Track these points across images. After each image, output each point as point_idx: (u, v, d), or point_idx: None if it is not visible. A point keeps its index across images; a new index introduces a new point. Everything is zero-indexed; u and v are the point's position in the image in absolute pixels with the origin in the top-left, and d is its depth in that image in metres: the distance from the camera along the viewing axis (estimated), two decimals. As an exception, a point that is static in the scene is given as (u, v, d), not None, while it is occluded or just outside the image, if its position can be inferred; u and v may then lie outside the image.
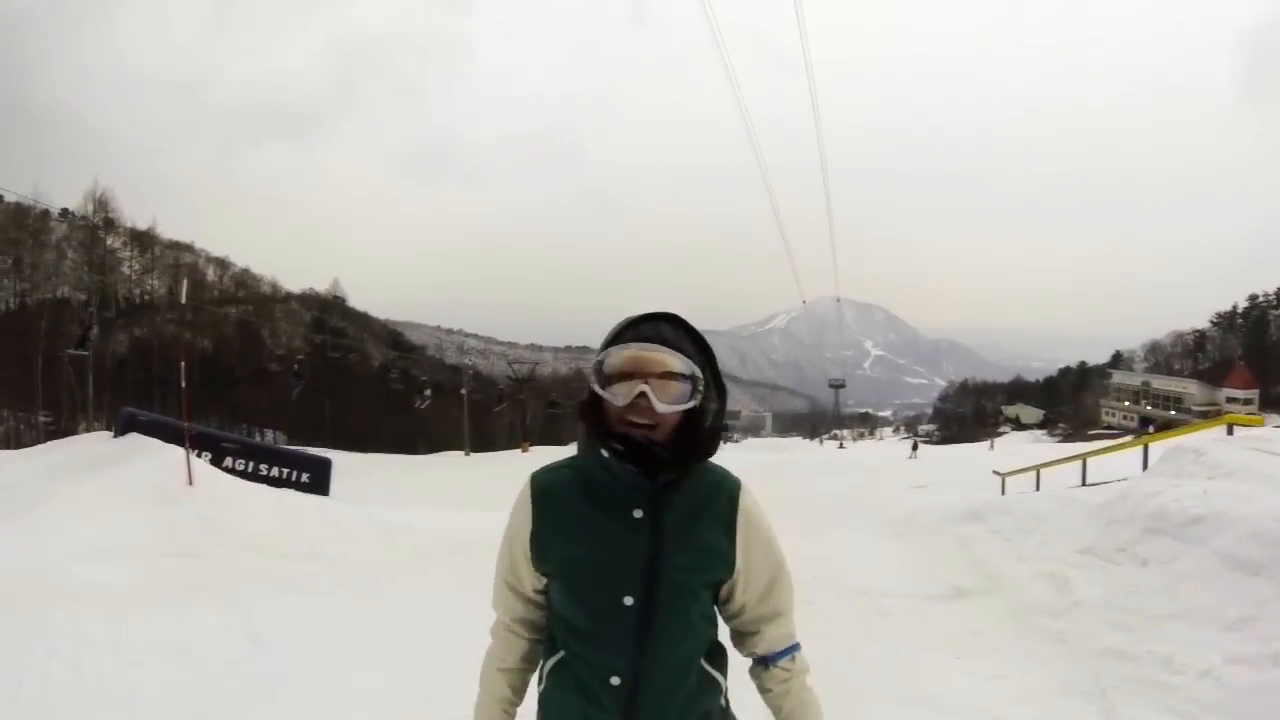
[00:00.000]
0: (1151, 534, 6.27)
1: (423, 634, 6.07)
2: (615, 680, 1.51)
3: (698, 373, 1.49)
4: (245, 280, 73.03)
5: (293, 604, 6.64)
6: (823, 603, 7.04)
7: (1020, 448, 55.02)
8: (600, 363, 1.50)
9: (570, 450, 1.95)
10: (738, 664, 1.70)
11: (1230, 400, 68.42)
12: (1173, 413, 74.43)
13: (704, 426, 1.55)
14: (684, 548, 1.52)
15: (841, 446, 78.19)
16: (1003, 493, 14.75)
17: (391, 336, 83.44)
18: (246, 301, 70.35)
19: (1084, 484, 11.83)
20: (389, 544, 9.56)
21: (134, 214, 69.75)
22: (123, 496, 8.52)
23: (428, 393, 47.54)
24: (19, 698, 4.30)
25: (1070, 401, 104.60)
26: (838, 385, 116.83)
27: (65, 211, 56.93)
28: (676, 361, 1.47)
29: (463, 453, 45.99)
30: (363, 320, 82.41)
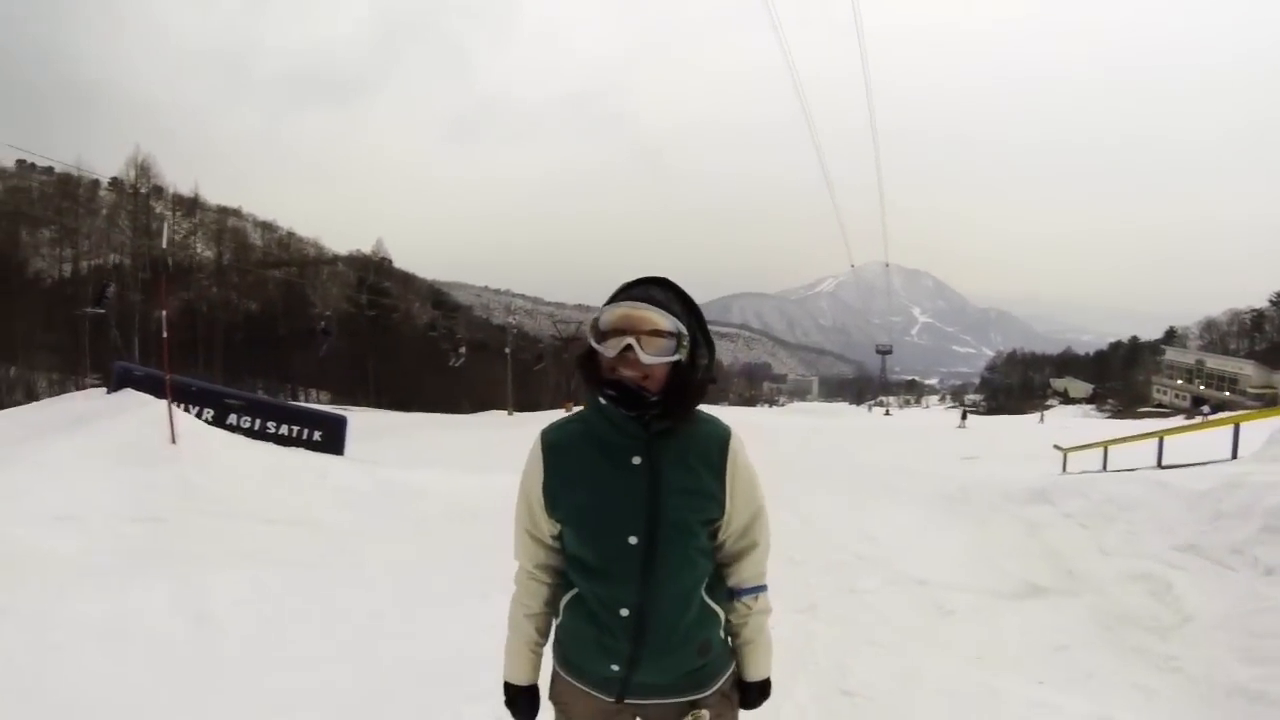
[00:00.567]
0: (1274, 534, 5.07)
1: (405, 624, 5.30)
2: (624, 612, 1.70)
3: (682, 330, 1.67)
4: (289, 243, 73.00)
5: (261, 579, 5.77)
6: (873, 593, 6.03)
7: (1070, 422, 53.27)
8: (596, 320, 1.68)
9: None
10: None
11: (1289, 384, 66.23)
12: (1227, 394, 72.23)
13: (691, 378, 1.70)
14: (679, 490, 1.70)
15: (888, 414, 76.34)
16: (1064, 469, 13.43)
17: (435, 295, 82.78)
18: (291, 264, 70.41)
19: (1160, 465, 10.49)
20: (394, 510, 8.67)
21: (182, 181, 70.42)
22: (95, 456, 7.68)
23: (462, 350, 46.89)
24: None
25: (1120, 377, 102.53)
26: (885, 351, 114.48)
27: (114, 181, 57.59)
28: (662, 319, 1.65)
29: (506, 412, 45.39)
30: (407, 280, 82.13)
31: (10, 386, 41.97)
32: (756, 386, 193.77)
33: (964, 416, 53.40)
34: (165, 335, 9.26)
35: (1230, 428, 9.92)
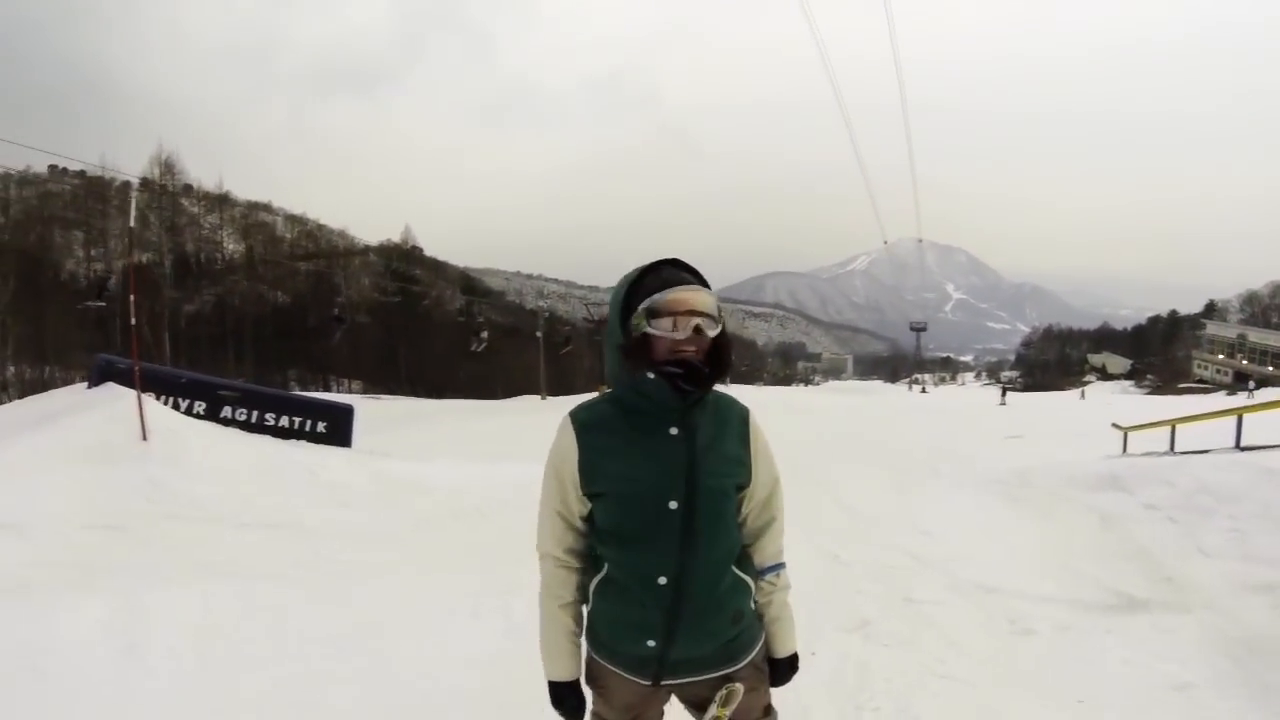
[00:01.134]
0: None
1: (370, 655, 4.40)
2: (662, 580, 1.70)
3: (719, 302, 1.76)
4: (318, 234, 72.83)
5: (216, 596, 4.92)
6: (934, 605, 5.03)
7: (1112, 398, 51.57)
8: (649, 307, 1.70)
9: None
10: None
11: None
12: (1270, 369, 70.11)
13: (727, 347, 1.77)
14: (714, 456, 1.74)
15: (924, 391, 74.77)
16: (1124, 450, 12.24)
17: (465, 281, 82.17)
18: (321, 255, 70.28)
19: (1239, 447, 9.27)
20: (392, 510, 7.80)
21: (211, 178, 70.75)
22: (53, 456, 6.86)
23: (484, 334, 46.25)
24: None
25: (1159, 352, 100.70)
26: (919, 328, 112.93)
27: (145, 182, 57.59)
28: (710, 299, 1.73)
29: (539, 397, 44.71)
30: (438, 268, 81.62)
31: (45, 387, 41.97)
32: (791, 366, 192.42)
33: (1004, 394, 51.70)
34: (134, 323, 8.45)
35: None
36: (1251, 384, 56.81)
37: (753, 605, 1.86)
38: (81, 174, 58.20)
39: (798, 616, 2.00)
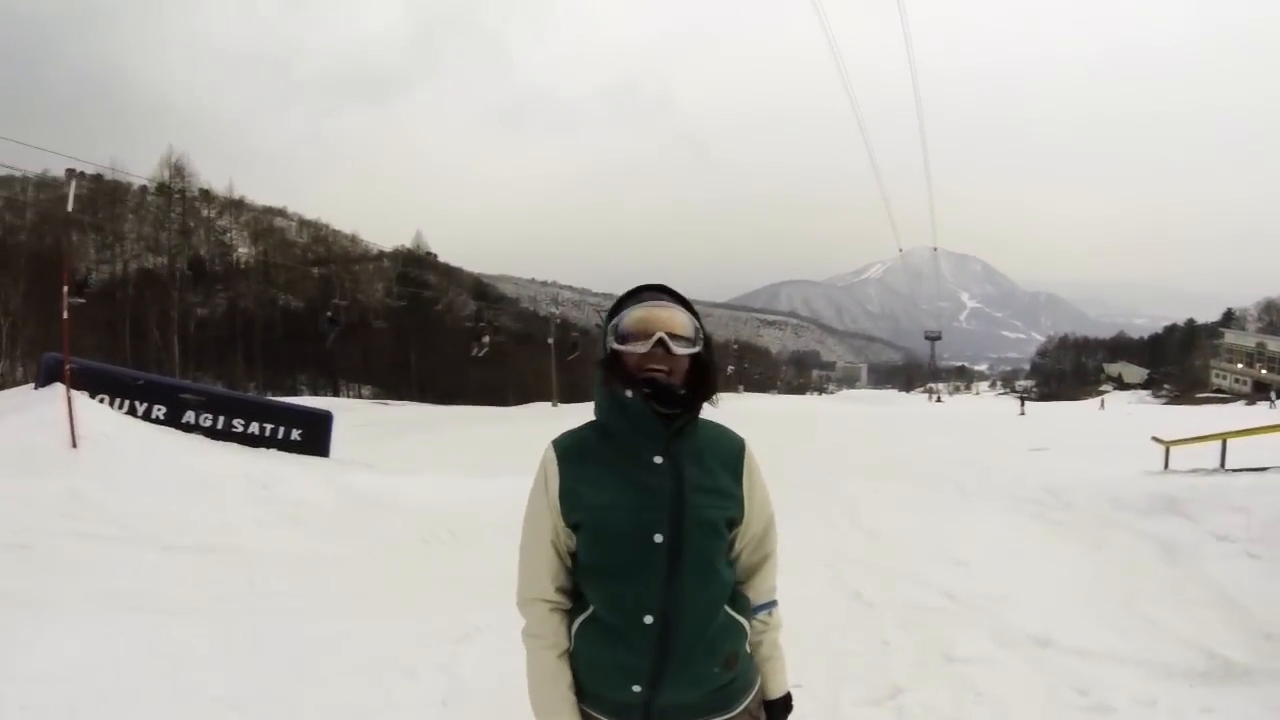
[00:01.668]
0: None
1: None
2: (648, 619, 1.54)
3: (697, 323, 1.66)
4: (329, 239, 72.39)
5: (108, 636, 4.12)
6: (980, 663, 4.09)
7: (1132, 408, 50.18)
8: (616, 325, 1.63)
9: None
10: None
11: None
12: (1290, 378, 68.70)
13: (711, 369, 1.66)
14: (702, 487, 1.59)
15: (939, 400, 73.45)
16: (1165, 466, 11.14)
17: (477, 287, 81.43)
18: (333, 260, 69.94)
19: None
20: (352, 531, 6.90)
21: (226, 182, 70.80)
22: (-32, 465, 6.02)
23: (485, 339, 45.53)
24: None
25: (1176, 362, 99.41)
26: (934, 337, 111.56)
27: (162, 186, 57.41)
28: (681, 317, 1.63)
29: (550, 404, 43.87)
30: (450, 273, 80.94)
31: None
32: (805, 374, 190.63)
33: (1022, 404, 50.37)
34: (65, 317, 7.61)
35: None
36: (1273, 394, 55.30)
37: (747, 648, 1.70)
38: (98, 178, 58.04)
39: (814, 672, 1.88)
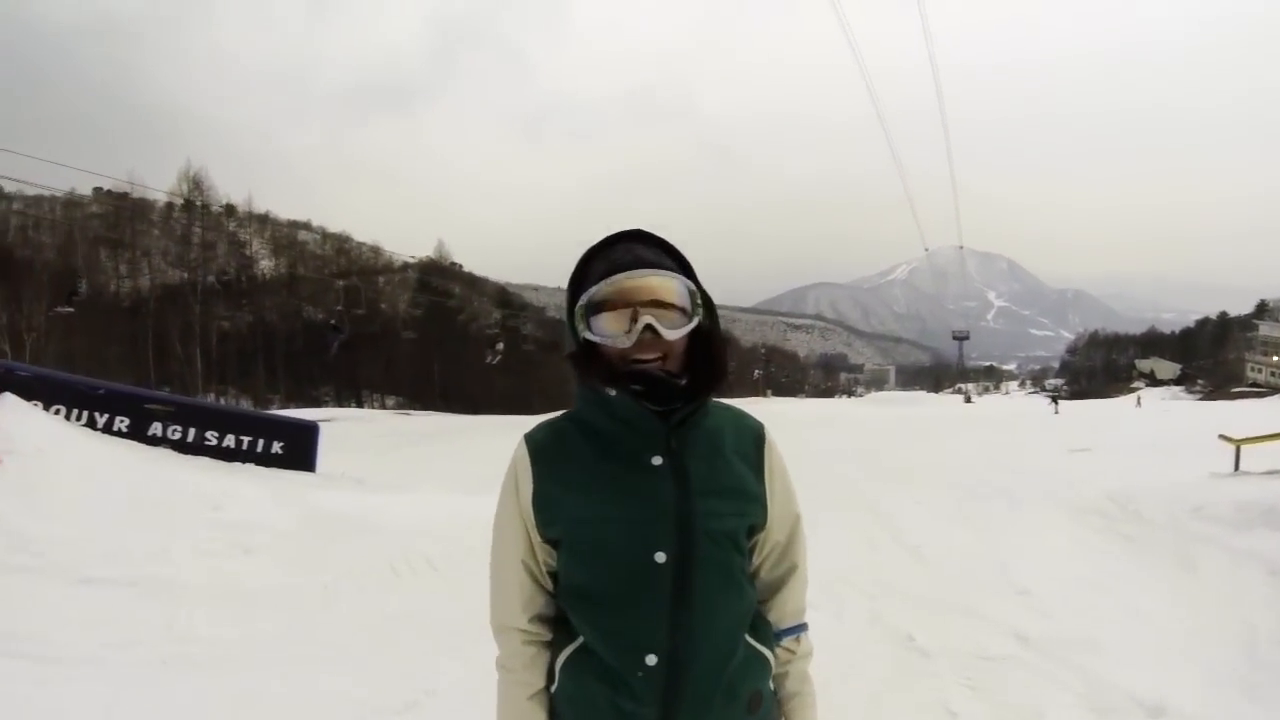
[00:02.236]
0: None
1: None
2: (651, 659, 1.23)
3: (691, 287, 1.29)
4: (350, 250, 72.29)
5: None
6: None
7: (1169, 405, 48.47)
8: (578, 302, 1.27)
9: None
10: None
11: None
12: (1328, 370, 67.09)
13: (716, 341, 1.32)
14: (714, 490, 1.28)
15: (969, 400, 71.88)
16: (1236, 468, 9.90)
17: (501, 296, 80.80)
18: (358, 272, 70.00)
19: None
20: (312, 558, 5.92)
21: (251, 196, 71.64)
22: None
23: (499, 347, 45.15)
24: None
25: (1209, 355, 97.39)
26: (961, 337, 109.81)
27: (187, 203, 57.70)
28: (669, 283, 1.27)
29: (574, 411, 43.46)
30: (474, 283, 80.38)
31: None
32: (833, 378, 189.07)
33: (1055, 402, 48.73)
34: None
35: None
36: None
37: (771, 685, 1.36)
38: (124, 195, 58.65)
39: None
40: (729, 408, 1.40)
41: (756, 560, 1.39)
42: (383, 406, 55.99)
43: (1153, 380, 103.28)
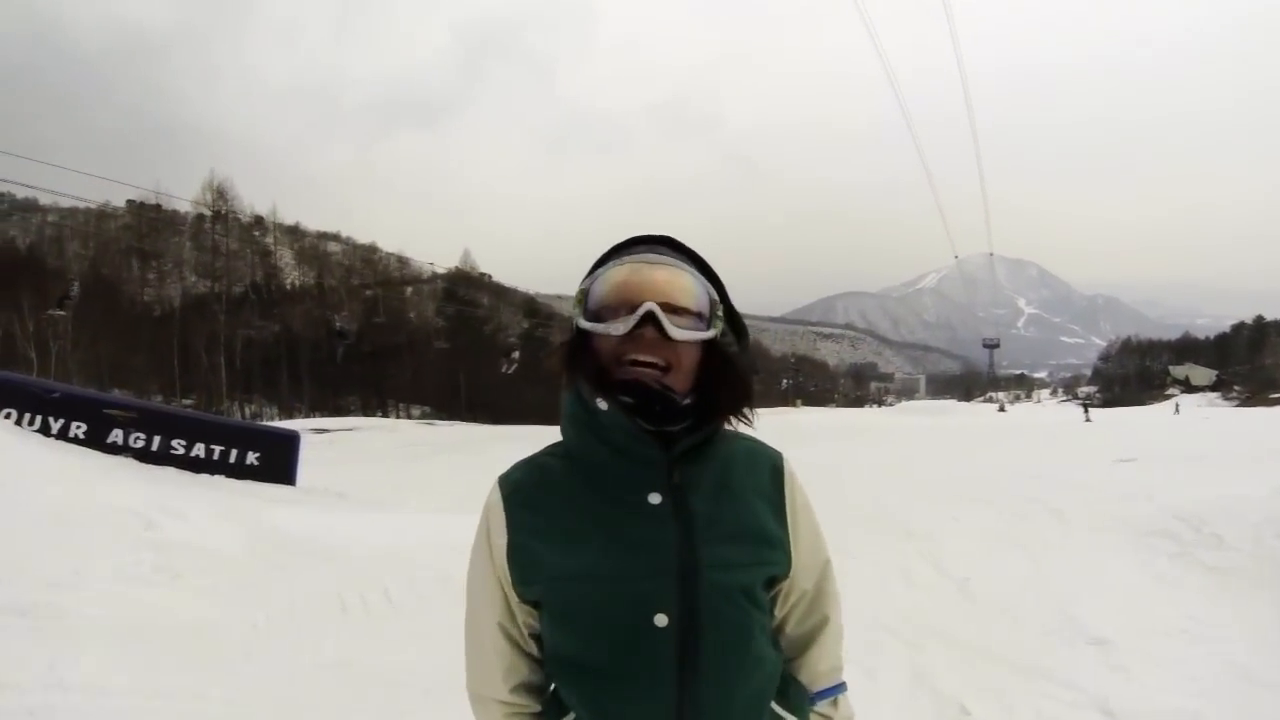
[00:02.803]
0: None
1: None
2: None
3: (713, 293, 1.10)
4: (377, 261, 72.59)
5: None
6: None
7: (1207, 412, 46.69)
8: (584, 291, 1.10)
9: None
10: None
11: None
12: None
13: (736, 365, 1.11)
14: (726, 536, 1.07)
15: (1002, 409, 70.21)
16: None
17: (528, 306, 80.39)
18: (387, 283, 70.28)
19: None
20: (252, 586, 5.08)
21: (281, 208, 73.69)
22: None
23: (515, 355, 44.91)
24: None
25: (1246, 361, 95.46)
26: (992, 345, 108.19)
27: (217, 215, 58.31)
28: (686, 280, 1.07)
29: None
30: (502, 293, 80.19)
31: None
32: (863, 387, 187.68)
33: (1087, 410, 46.97)
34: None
35: None
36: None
37: None
38: (157, 208, 59.50)
39: None
40: (741, 435, 1.16)
41: (780, 614, 1.17)
42: (408, 416, 55.71)
43: (1188, 387, 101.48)
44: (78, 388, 8.92)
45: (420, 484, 12.51)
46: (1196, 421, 29.79)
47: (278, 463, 8.54)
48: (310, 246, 69.85)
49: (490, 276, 78.83)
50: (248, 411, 49.04)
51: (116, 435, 7.60)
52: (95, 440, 7.48)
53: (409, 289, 70.73)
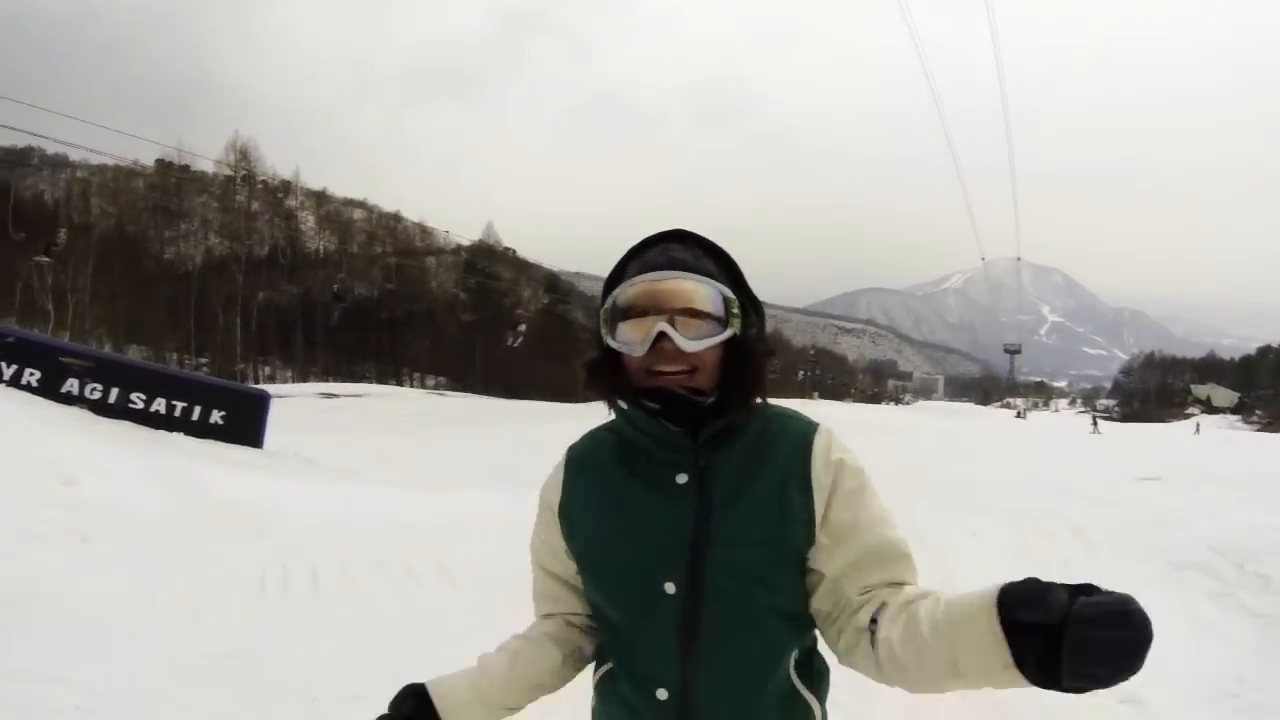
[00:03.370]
0: None
1: None
2: (661, 694, 1.09)
3: (727, 293, 1.11)
4: (399, 230, 72.20)
5: None
6: None
7: (1229, 434, 45.42)
8: (607, 306, 1.13)
9: None
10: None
11: None
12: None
13: (751, 350, 1.13)
14: (739, 514, 1.08)
15: (1020, 416, 68.99)
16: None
17: (549, 281, 79.76)
18: (411, 252, 69.92)
19: None
20: (167, 556, 4.56)
21: (301, 173, 73.27)
22: None
23: (521, 329, 44.34)
24: None
25: (1270, 385, 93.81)
26: (1013, 351, 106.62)
27: (246, 177, 58.27)
28: (699, 288, 1.09)
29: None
30: (524, 268, 79.58)
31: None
32: (881, 383, 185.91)
33: (1094, 422, 45.82)
34: None
35: None
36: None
37: None
38: (186, 168, 59.41)
39: None
40: (777, 413, 1.17)
41: (817, 600, 1.09)
42: (422, 386, 55.38)
43: (1208, 407, 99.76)
44: (35, 333, 8.39)
45: (404, 455, 11.97)
46: (1218, 444, 28.84)
47: (244, 423, 8.02)
48: (335, 212, 69.43)
49: (514, 251, 78.12)
50: (263, 373, 49.02)
51: (72, 385, 7.11)
52: (49, 389, 7.04)
53: (431, 259, 70.31)
